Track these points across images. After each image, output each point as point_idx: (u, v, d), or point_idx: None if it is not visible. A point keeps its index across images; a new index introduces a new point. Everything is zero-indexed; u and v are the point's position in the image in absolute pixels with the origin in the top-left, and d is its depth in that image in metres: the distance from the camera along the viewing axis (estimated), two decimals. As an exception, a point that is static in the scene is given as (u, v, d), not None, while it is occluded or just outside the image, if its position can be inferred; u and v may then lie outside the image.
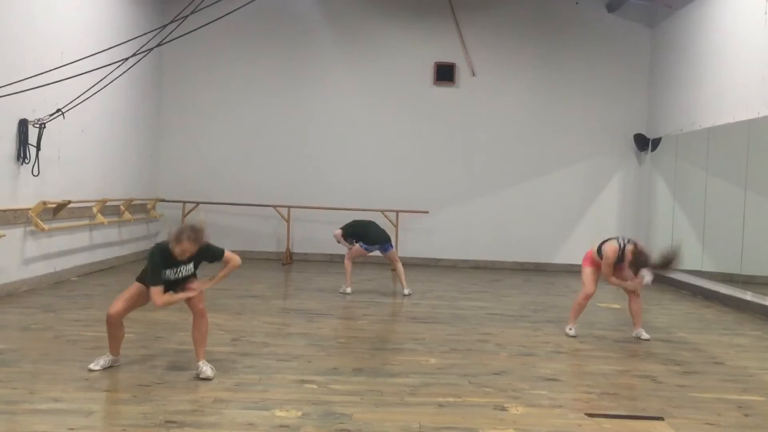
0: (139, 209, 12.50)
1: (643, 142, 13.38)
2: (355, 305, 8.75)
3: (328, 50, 13.72)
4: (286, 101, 13.67)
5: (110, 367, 5.26)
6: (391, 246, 9.68)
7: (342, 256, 13.41)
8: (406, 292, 9.63)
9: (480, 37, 13.66)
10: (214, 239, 5.41)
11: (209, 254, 5.30)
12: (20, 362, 5.40)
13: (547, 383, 5.45)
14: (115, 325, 5.18)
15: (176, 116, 13.67)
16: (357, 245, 9.59)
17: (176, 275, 5.17)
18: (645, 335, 7.17)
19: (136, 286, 5.24)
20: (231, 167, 13.55)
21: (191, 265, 5.25)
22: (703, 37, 11.24)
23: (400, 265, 9.78)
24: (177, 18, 8.01)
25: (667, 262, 6.70)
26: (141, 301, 5.27)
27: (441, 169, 13.73)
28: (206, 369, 5.13)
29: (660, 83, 13.04)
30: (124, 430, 4.03)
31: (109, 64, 8.47)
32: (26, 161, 8.55)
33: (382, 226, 9.97)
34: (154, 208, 13.03)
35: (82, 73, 8.33)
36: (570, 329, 7.25)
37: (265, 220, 13.48)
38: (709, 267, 10.68)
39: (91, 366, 5.21)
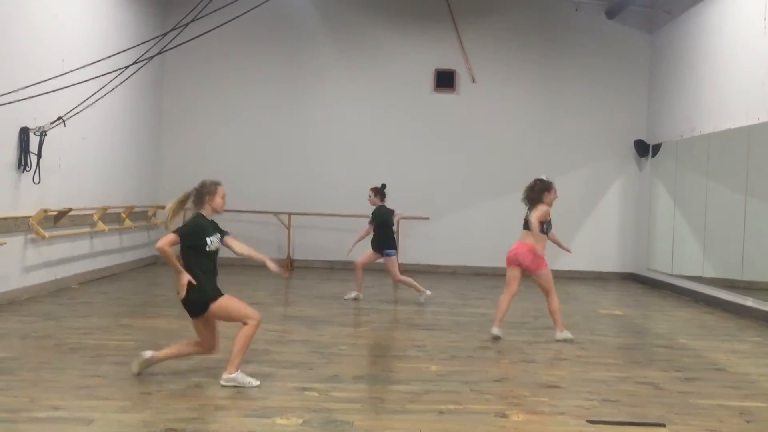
0: (140, 216, 12.50)
1: (643, 148, 13.38)
2: (356, 312, 8.74)
3: (329, 58, 13.75)
4: (287, 108, 13.70)
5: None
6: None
7: (341, 263, 13.44)
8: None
9: (480, 44, 13.69)
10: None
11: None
12: (20, 370, 5.39)
13: (548, 390, 5.44)
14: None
15: (177, 124, 13.69)
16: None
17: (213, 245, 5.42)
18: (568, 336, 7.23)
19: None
20: (232, 174, 13.43)
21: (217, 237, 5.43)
22: (703, 43, 11.26)
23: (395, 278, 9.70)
24: (177, 26, 8.04)
25: None
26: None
27: (442, 175, 13.73)
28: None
29: (660, 89, 13.05)
30: (124, 438, 4.03)
31: (110, 72, 8.49)
32: (27, 169, 8.55)
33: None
34: (154, 215, 13.02)
35: (83, 81, 8.36)
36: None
37: (265, 227, 13.46)
38: (710, 273, 10.67)
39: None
